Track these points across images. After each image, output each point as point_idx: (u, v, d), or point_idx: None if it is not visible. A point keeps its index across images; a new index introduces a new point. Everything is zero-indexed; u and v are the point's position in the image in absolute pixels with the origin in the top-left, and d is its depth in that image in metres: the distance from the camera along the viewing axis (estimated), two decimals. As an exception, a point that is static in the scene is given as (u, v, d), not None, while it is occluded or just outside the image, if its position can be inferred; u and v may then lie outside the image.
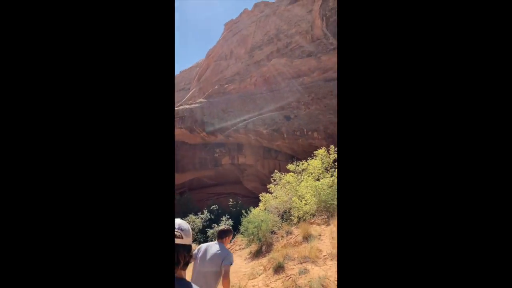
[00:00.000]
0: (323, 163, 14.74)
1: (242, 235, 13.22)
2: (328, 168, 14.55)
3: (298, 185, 14.33)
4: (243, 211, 14.72)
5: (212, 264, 3.85)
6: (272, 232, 12.05)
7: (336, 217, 10.78)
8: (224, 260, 3.87)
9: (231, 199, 26.25)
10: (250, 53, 37.38)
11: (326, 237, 9.51)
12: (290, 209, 13.48)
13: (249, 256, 11.42)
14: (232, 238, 13.15)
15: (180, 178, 31.41)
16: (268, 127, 25.52)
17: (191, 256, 2.06)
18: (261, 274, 8.55)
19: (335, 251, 8.05)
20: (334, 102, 24.49)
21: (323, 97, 25.82)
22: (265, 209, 14.23)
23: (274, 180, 16.49)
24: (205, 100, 32.32)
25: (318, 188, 12.46)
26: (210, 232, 18.75)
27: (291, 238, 10.75)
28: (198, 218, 21.66)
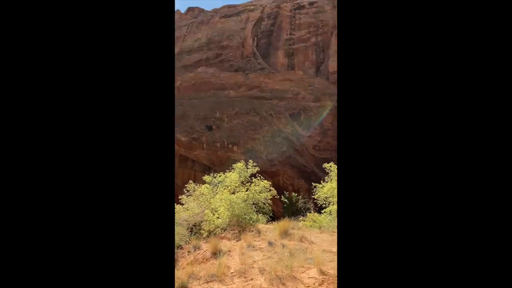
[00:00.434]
0: (240, 176, 14.69)
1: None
2: (245, 182, 14.57)
3: (213, 197, 13.82)
4: (148, 223, 13.19)
5: None
6: (179, 246, 11.08)
7: (247, 233, 10.64)
8: None
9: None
10: (178, 56, 35.82)
11: (236, 253, 9.21)
12: (201, 222, 12.79)
13: (148, 274, 10.10)
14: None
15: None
16: (187, 135, 24.38)
17: None
18: (160, 296, 7.52)
19: (243, 267, 7.79)
20: (256, 119, 25.30)
21: (246, 113, 26.46)
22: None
23: (188, 191, 15.56)
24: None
25: (233, 201, 12.23)
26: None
27: (198, 253, 10.05)
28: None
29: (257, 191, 13.20)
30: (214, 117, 25.99)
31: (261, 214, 13.04)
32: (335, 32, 36.59)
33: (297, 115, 32.70)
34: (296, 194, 23.50)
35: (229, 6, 44.23)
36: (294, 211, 17.58)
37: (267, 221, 12.91)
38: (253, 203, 12.83)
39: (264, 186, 13.53)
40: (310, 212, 13.65)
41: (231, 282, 7.34)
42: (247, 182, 14.56)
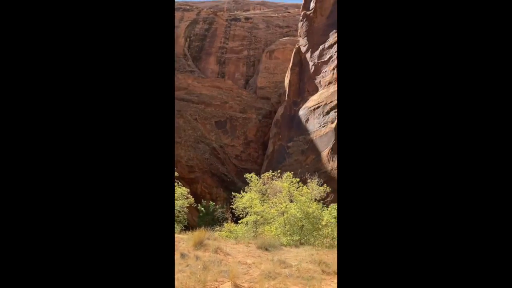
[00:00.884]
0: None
1: None
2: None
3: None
4: None
5: None
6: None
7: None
8: None
9: None
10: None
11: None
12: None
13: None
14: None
15: None
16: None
17: None
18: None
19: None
20: (180, 121, 24.07)
21: (170, 113, 24.92)
22: None
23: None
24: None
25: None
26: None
27: None
28: None
29: (173, 198, 12.32)
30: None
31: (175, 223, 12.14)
32: (266, 49, 38.56)
33: (223, 123, 32.68)
34: (214, 203, 23.08)
35: (164, 1, 41.92)
36: (210, 221, 17.08)
37: (181, 231, 12.08)
38: (167, 211, 11.86)
39: (181, 193, 12.71)
40: (227, 222, 13.43)
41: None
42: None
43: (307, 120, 24.21)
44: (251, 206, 12.44)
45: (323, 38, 25.66)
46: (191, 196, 13.21)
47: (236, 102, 33.45)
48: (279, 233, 10.65)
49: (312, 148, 22.74)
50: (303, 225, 10.81)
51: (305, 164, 22.70)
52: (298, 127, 24.94)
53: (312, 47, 26.46)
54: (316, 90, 25.06)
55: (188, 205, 12.78)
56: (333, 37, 24.56)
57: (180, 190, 12.78)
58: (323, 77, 24.68)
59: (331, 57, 24.09)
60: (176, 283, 6.14)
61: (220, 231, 12.51)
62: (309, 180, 12.81)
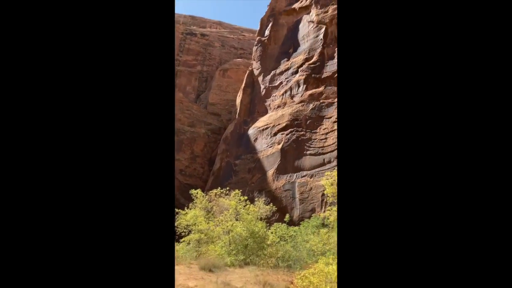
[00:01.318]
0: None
1: None
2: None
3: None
4: None
5: None
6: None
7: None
8: None
9: None
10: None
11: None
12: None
13: None
14: None
15: None
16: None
17: None
18: None
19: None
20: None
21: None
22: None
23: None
24: None
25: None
26: None
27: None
28: None
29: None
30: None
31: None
32: (220, 67, 39.01)
33: (169, 136, 31.26)
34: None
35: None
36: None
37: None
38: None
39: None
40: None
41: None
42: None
43: (255, 140, 24.78)
44: (195, 223, 11.92)
45: (275, 64, 27.15)
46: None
47: (185, 115, 32.61)
48: (223, 252, 10.35)
49: (258, 167, 23.17)
50: (247, 244, 10.72)
51: (251, 183, 22.91)
52: (246, 146, 25.30)
53: (265, 71, 27.72)
54: (265, 111, 26.02)
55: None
56: (284, 64, 26.17)
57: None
58: (273, 100, 25.84)
59: (281, 83, 25.50)
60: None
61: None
62: (256, 199, 12.92)
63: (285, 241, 12.10)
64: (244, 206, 11.99)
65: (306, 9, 26.28)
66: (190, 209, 12.93)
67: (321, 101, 21.77)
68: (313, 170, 19.88)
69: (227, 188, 13.35)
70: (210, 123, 33.75)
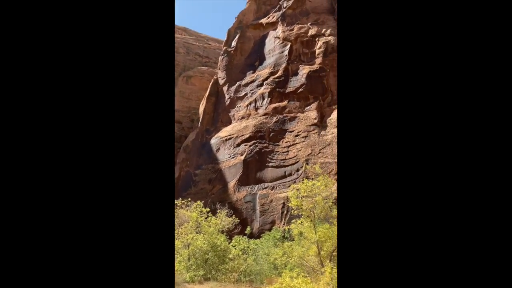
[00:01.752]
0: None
1: None
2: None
3: None
4: None
5: None
6: None
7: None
8: None
9: None
10: None
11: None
12: None
13: None
14: None
15: None
16: None
17: None
18: None
19: None
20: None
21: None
22: None
23: None
24: None
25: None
26: None
27: None
28: None
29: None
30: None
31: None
32: (184, 74, 38.13)
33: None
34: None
35: None
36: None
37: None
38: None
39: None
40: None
41: None
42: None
43: (218, 150, 24.37)
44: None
45: (241, 76, 27.35)
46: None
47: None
48: (181, 268, 9.73)
49: (219, 178, 22.71)
50: (207, 259, 10.25)
51: (211, 194, 22.31)
52: (208, 155, 24.73)
53: (230, 81, 27.73)
54: (229, 122, 25.86)
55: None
56: (249, 77, 26.50)
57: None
58: (237, 111, 25.84)
59: (246, 94, 25.69)
60: None
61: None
62: (218, 211, 12.53)
63: (246, 254, 11.84)
64: (206, 218, 11.53)
65: (272, 25, 27.16)
66: (146, 221, 12.04)
67: (284, 114, 22.35)
68: (275, 182, 20.08)
69: (189, 199, 12.76)
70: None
